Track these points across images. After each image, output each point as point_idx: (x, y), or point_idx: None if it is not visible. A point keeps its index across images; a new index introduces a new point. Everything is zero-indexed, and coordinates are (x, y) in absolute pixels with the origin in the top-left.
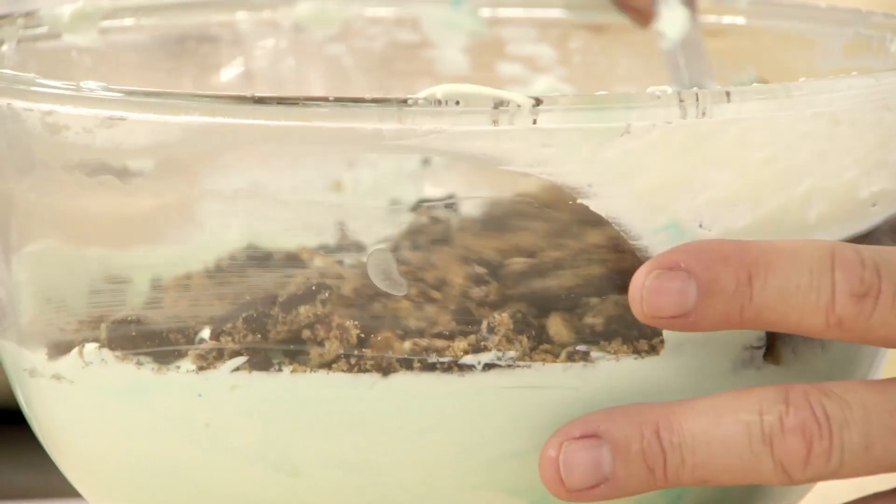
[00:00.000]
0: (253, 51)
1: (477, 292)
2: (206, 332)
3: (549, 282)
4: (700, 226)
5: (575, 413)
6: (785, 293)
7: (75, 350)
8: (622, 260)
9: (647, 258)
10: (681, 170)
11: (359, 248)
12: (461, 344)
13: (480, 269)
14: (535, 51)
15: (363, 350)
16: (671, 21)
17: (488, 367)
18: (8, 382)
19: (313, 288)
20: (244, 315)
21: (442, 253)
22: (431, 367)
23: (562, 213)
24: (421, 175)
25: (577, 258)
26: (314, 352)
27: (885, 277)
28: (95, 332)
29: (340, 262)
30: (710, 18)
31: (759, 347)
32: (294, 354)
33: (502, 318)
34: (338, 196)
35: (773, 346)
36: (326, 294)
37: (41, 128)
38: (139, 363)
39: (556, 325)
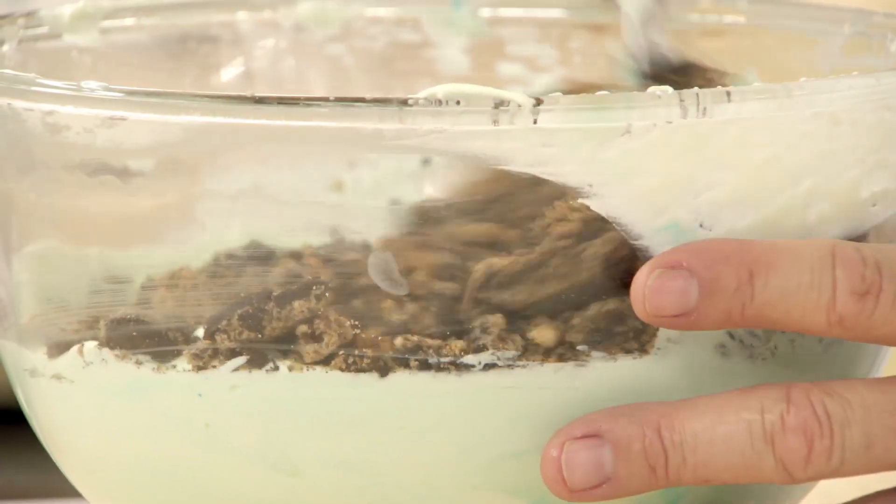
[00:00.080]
0: (253, 51)
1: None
2: (201, 331)
3: (534, 288)
4: (701, 226)
5: (574, 413)
6: (786, 291)
7: (75, 350)
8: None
9: (648, 258)
10: (681, 170)
11: (359, 248)
12: (458, 343)
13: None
14: (536, 51)
15: (360, 349)
16: None
17: (488, 367)
18: (8, 382)
19: (313, 288)
20: (239, 312)
21: (437, 253)
22: (431, 367)
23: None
24: (421, 175)
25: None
26: (310, 348)
27: (886, 275)
28: (95, 331)
29: (341, 262)
30: (711, 18)
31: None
32: (290, 352)
33: (495, 318)
34: (338, 196)
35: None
36: (321, 289)
37: (42, 128)
38: (139, 363)
39: (543, 330)
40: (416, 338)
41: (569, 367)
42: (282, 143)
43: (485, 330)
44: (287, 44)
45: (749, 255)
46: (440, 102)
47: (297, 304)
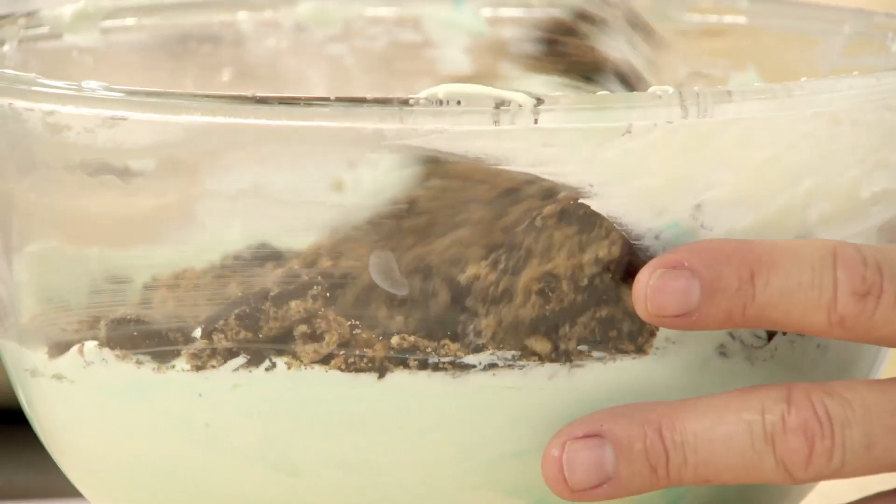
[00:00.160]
0: (254, 51)
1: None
2: (198, 331)
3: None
4: (701, 226)
5: (574, 413)
6: (787, 291)
7: (76, 350)
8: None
9: (649, 258)
10: (682, 170)
11: (360, 248)
12: (458, 344)
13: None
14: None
15: (360, 349)
16: None
17: (487, 367)
18: (9, 382)
19: (311, 288)
20: (236, 311)
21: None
22: (430, 367)
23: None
24: None
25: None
26: (309, 347)
27: (887, 276)
28: (96, 331)
29: (342, 262)
30: (711, 18)
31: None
32: (286, 351)
33: (488, 321)
34: (339, 196)
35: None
36: (318, 290)
37: (42, 128)
38: (139, 363)
39: (539, 340)
40: (415, 338)
41: (568, 367)
42: (282, 143)
43: (479, 334)
44: (288, 44)
45: (750, 255)
46: (441, 102)
47: (293, 304)
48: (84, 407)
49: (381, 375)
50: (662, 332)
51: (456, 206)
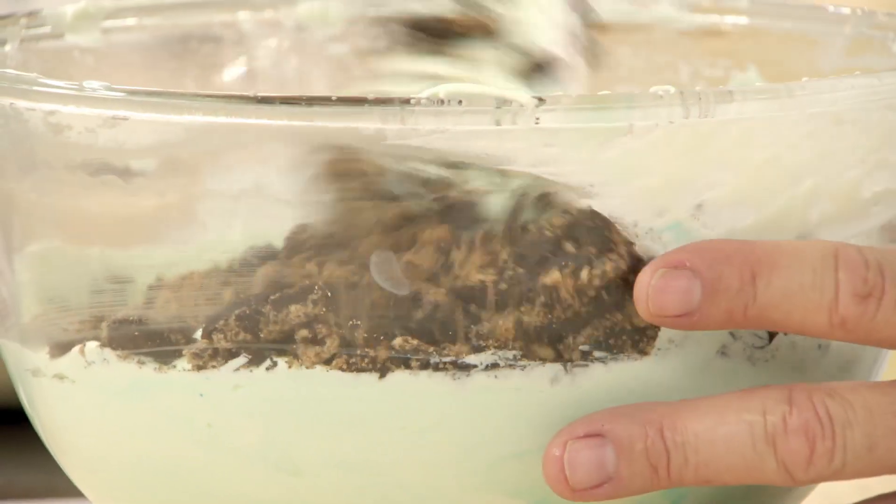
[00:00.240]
0: (255, 50)
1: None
2: (199, 332)
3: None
4: (703, 226)
5: (576, 414)
6: (788, 292)
7: (77, 350)
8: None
9: (650, 258)
10: (683, 169)
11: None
12: (459, 344)
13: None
14: None
15: (361, 349)
16: None
17: (489, 367)
18: (10, 382)
19: (312, 292)
20: (236, 312)
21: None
22: (432, 367)
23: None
24: None
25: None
26: (311, 351)
27: (888, 278)
28: (97, 331)
29: (344, 262)
30: (712, 18)
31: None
32: (286, 352)
33: (492, 325)
34: None
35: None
36: (318, 294)
37: (44, 127)
38: (141, 363)
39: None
40: (418, 340)
41: (570, 367)
42: (284, 143)
43: (485, 336)
44: (289, 43)
45: (752, 256)
46: (442, 102)
47: (293, 308)
48: (85, 407)
49: (383, 375)
50: (664, 333)
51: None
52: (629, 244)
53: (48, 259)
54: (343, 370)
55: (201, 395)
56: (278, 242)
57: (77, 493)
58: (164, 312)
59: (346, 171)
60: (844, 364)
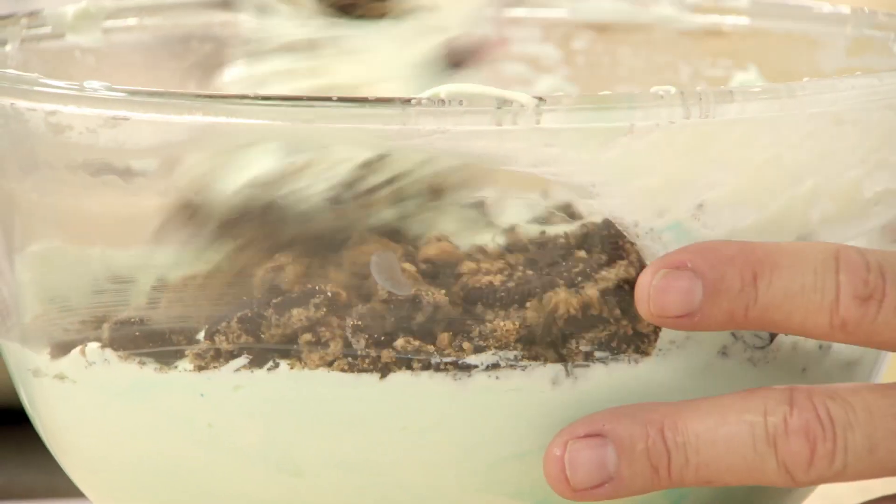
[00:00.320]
0: None
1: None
2: (201, 333)
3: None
4: (703, 226)
5: (577, 414)
6: (789, 293)
7: (78, 350)
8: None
9: (652, 259)
10: (684, 170)
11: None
12: (460, 344)
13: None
14: (540, 51)
15: (362, 350)
16: None
17: (490, 367)
18: (11, 382)
19: (313, 296)
20: (238, 315)
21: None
22: (432, 367)
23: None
24: None
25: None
26: (315, 355)
27: (889, 280)
28: (98, 331)
29: (345, 262)
30: (713, 19)
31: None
32: (290, 353)
33: (495, 326)
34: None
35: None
36: (320, 298)
37: (45, 128)
38: (142, 363)
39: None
40: (419, 341)
41: (571, 368)
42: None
43: (487, 338)
44: None
45: (753, 257)
46: (443, 102)
47: (295, 311)
48: (86, 407)
49: (384, 376)
50: (665, 334)
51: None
52: (637, 251)
53: (49, 259)
54: (344, 371)
55: (202, 395)
56: None
57: (78, 494)
58: (166, 313)
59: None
60: (845, 365)
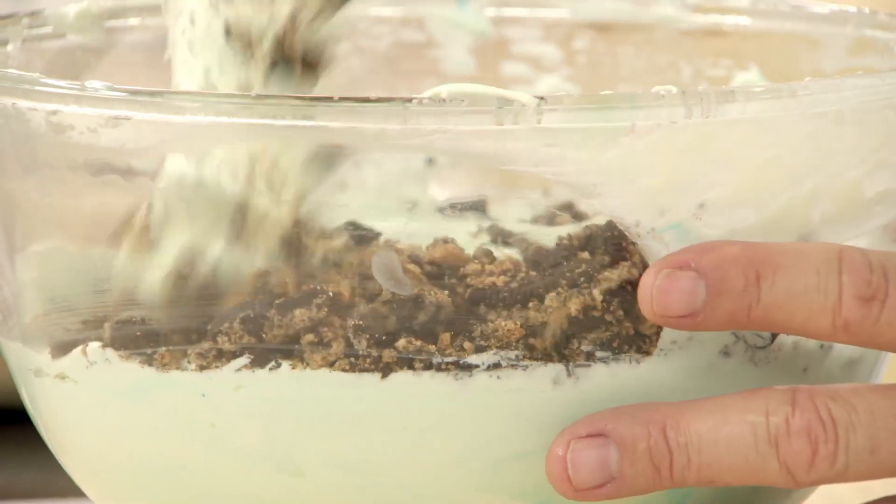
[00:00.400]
0: None
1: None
2: (205, 333)
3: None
4: (705, 226)
5: (578, 414)
6: (792, 293)
7: (79, 350)
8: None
9: (653, 259)
10: (685, 169)
11: (364, 248)
12: (462, 344)
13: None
14: (541, 50)
15: (364, 350)
16: None
17: (491, 367)
18: (12, 382)
19: (315, 297)
20: (241, 315)
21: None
22: (434, 367)
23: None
24: (425, 175)
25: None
26: (317, 355)
27: (892, 281)
28: (99, 331)
29: (346, 263)
30: (715, 18)
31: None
32: (292, 353)
33: (497, 325)
34: (342, 195)
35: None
36: (322, 298)
37: (46, 127)
38: (143, 363)
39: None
40: (419, 338)
41: (573, 368)
42: (286, 144)
43: (486, 335)
44: None
45: (756, 257)
46: (444, 102)
47: (298, 312)
48: (87, 407)
49: (385, 376)
50: (667, 334)
51: None
52: (639, 252)
53: (50, 259)
54: (346, 371)
55: (203, 395)
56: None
57: (79, 493)
58: (167, 313)
59: None
60: (846, 365)
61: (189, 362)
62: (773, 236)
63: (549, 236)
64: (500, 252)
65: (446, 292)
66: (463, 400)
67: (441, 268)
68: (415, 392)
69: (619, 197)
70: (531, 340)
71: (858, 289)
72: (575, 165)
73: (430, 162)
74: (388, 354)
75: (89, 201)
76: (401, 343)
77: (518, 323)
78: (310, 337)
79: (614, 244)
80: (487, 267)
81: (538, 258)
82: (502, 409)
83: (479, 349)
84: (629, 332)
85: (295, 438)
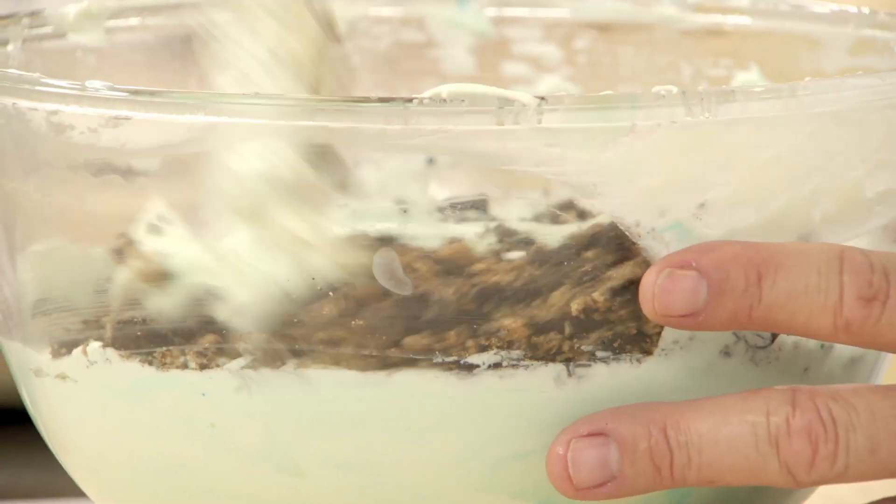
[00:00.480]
0: None
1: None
2: (208, 332)
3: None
4: (705, 226)
5: (579, 414)
6: (793, 293)
7: (80, 349)
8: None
9: (653, 258)
10: (685, 169)
11: (364, 247)
12: (463, 343)
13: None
14: (541, 50)
15: (365, 349)
16: None
17: (492, 366)
18: (12, 382)
19: (318, 289)
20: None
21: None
22: (435, 367)
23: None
24: (426, 175)
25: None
26: (319, 353)
27: (893, 282)
28: (100, 331)
29: (347, 262)
30: (715, 18)
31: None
32: (293, 355)
33: (499, 324)
34: (343, 196)
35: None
36: (329, 294)
37: (46, 127)
38: (143, 362)
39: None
40: (420, 338)
41: (574, 368)
42: (286, 144)
43: (489, 334)
44: None
45: (758, 257)
46: (445, 102)
47: (299, 311)
48: (88, 406)
49: (388, 375)
50: (668, 334)
51: None
52: (640, 251)
53: (51, 259)
54: (348, 370)
55: (204, 394)
56: None
57: (79, 493)
58: (168, 313)
59: None
60: (847, 364)
61: (189, 362)
62: (773, 236)
63: (552, 235)
64: (507, 251)
65: (451, 290)
66: (464, 400)
67: (447, 266)
68: (416, 392)
69: (620, 197)
70: (534, 339)
71: (860, 289)
72: (575, 165)
73: (431, 162)
74: (390, 354)
75: (90, 201)
76: (403, 342)
77: (520, 322)
78: (321, 335)
79: (617, 243)
80: (494, 266)
81: (542, 257)
82: (503, 409)
83: (482, 348)
84: (631, 332)
85: (295, 438)
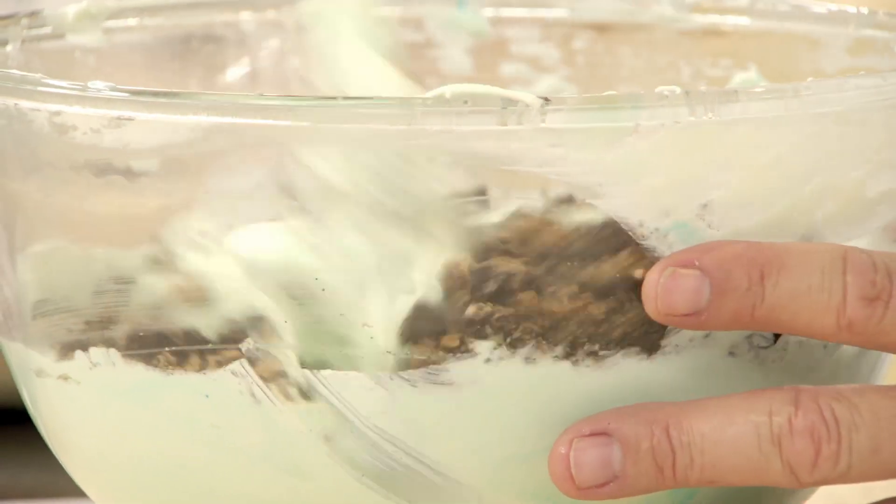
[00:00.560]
0: (258, 51)
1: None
2: (211, 333)
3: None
4: (708, 226)
5: (582, 414)
6: (796, 293)
7: (82, 351)
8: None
9: (656, 258)
10: (689, 170)
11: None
12: (465, 342)
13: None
14: (539, 51)
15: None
16: None
17: (494, 366)
18: (13, 382)
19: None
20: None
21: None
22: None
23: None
24: None
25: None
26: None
27: None
28: (102, 332)
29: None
30: (715, 18)
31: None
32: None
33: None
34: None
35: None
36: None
37: (48, 128)
38: (146, 364)
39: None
40: (421, 337)
41: (577, 367)
42: (287, 144)
43: (487, 335)
44: (291, 44)
45: (761, 257)
46: (448, 102)
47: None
48: (89, 407)
49: (391, 375)
50: (672, 333)
51: None
52: (644, 251)
53: (53, 259)
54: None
55: (206, 396)
56: None
57: (79, 493)
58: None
59: None
60: (851, 364)
61: (192, 363)
62: (776, 236)
63: (556, 234)
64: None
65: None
66: (465, 399)
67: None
68: (417, 391)
69: (623, 197)
70: (535, 339)
71: (863, 289)
72: (579, 166)
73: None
74: (391, 353)
75: (92, 202)
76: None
77: (520, 321)
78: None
79: (620, 243)
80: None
81: (544, 254)
82: (507, 409)
83: (483, 348)
84: (635, 331)
85: (297, 439)
